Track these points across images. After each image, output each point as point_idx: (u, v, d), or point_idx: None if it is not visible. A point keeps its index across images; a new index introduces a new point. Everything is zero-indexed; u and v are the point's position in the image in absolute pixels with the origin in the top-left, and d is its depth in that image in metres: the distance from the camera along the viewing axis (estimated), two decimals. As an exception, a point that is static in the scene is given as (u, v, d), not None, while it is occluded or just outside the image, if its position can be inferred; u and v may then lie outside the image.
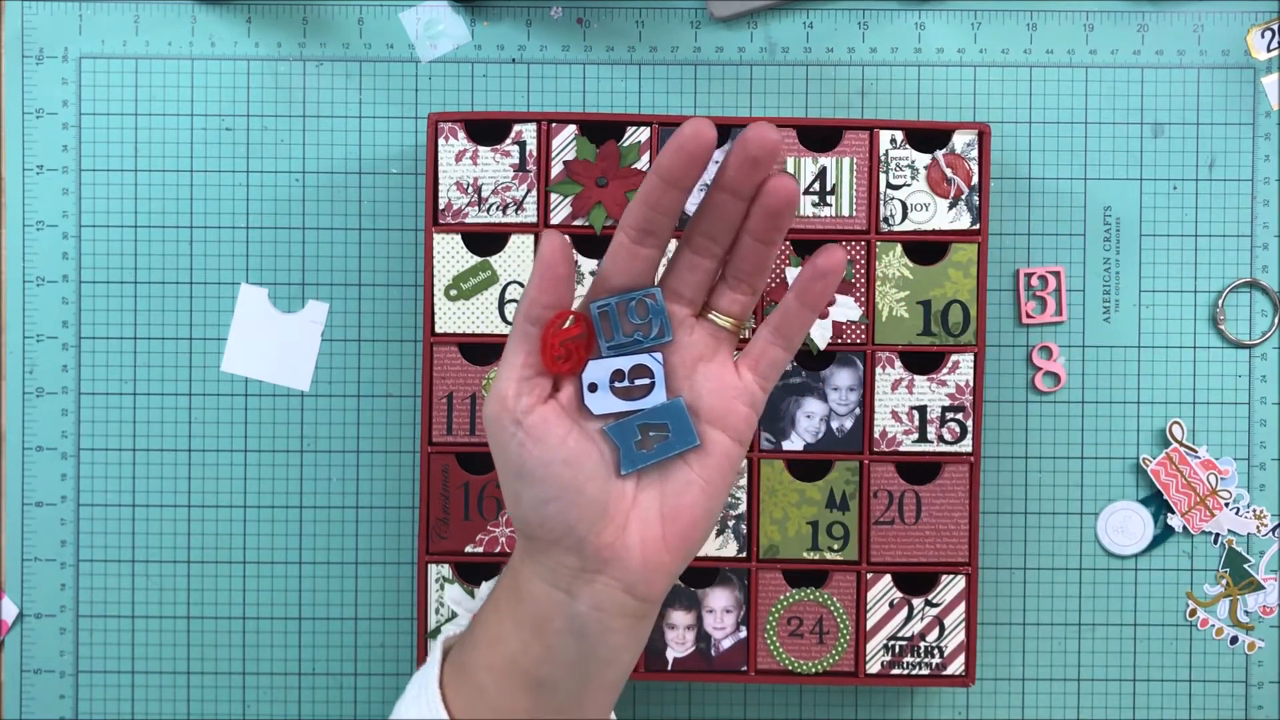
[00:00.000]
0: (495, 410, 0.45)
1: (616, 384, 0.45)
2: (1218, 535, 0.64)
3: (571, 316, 0.45)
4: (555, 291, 0.44)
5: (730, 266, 0.46)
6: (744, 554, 0.60)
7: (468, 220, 0.59)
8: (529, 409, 0.44)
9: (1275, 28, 0.64)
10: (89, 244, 0.64)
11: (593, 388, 0.45)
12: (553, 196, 0.59)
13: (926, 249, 0.60)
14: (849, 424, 0.60)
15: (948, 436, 0.60)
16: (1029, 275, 0.64)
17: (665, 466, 0.46)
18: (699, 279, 0.46)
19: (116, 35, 0.64)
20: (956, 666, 0.60)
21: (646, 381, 0.45)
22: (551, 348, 0.45)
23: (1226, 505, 0.64)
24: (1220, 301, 0.64)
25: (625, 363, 0.45)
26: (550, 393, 0.46)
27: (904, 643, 0.60)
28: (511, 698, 0.46)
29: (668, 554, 0.46)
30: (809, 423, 0.60)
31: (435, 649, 0.50)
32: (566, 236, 0.44)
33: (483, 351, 0.60)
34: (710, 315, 0.47)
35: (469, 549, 0.59)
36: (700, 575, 0.60)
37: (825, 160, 0.59)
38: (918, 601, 0.60)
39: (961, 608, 0.60)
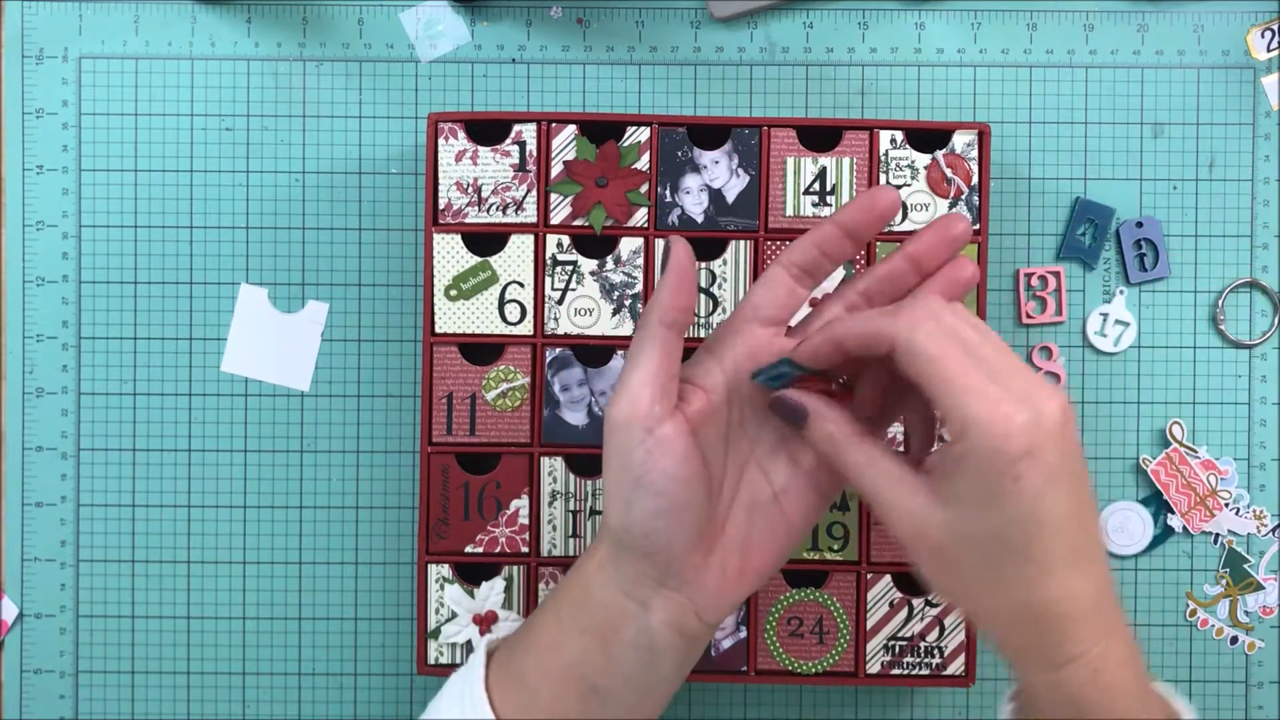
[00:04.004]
0: (626, 415, 0.45)
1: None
2: (1218, 535, 0.64)
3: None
4: (689, 295, 0.45)
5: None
6: (744, 554, 0.60)
7: (468, 220, 0.59)
8: (661, 419, 0.45)
9: (1275, 28, 0.64)
10: (89, 244, 0.64)
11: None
12: (553, 196, 0.59)
13: (926, 249, 0.60)
14: (849, 424, 0.60)
15: (949, 436, 0.60)
16: (1029, 275, 0.64)
17: (759, 505, 0.48)
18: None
19: (116, 35, 0.64)
20: (956, 667, 0.60)
21: None
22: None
23: (1226, 505, 0.64)
24: (1220, 301, 0.64)
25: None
26: (677, 404, 0.46)
27: (904, 643, 0.60)
28: (564, 704, 0.47)
29: (739, 585, 0.47)
30: (809, 423, 0.60)
31: (479, 651, 0.50)
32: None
33: (483, 351, 0.60)
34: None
35: (469, 549, 0.59)
36: (700, 575, 0.60)
37: (825, 160, 0.59)
38: (918, 601, 0.60)
39: (961, 608, 0.60)
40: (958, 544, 0.42)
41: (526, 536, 0.59)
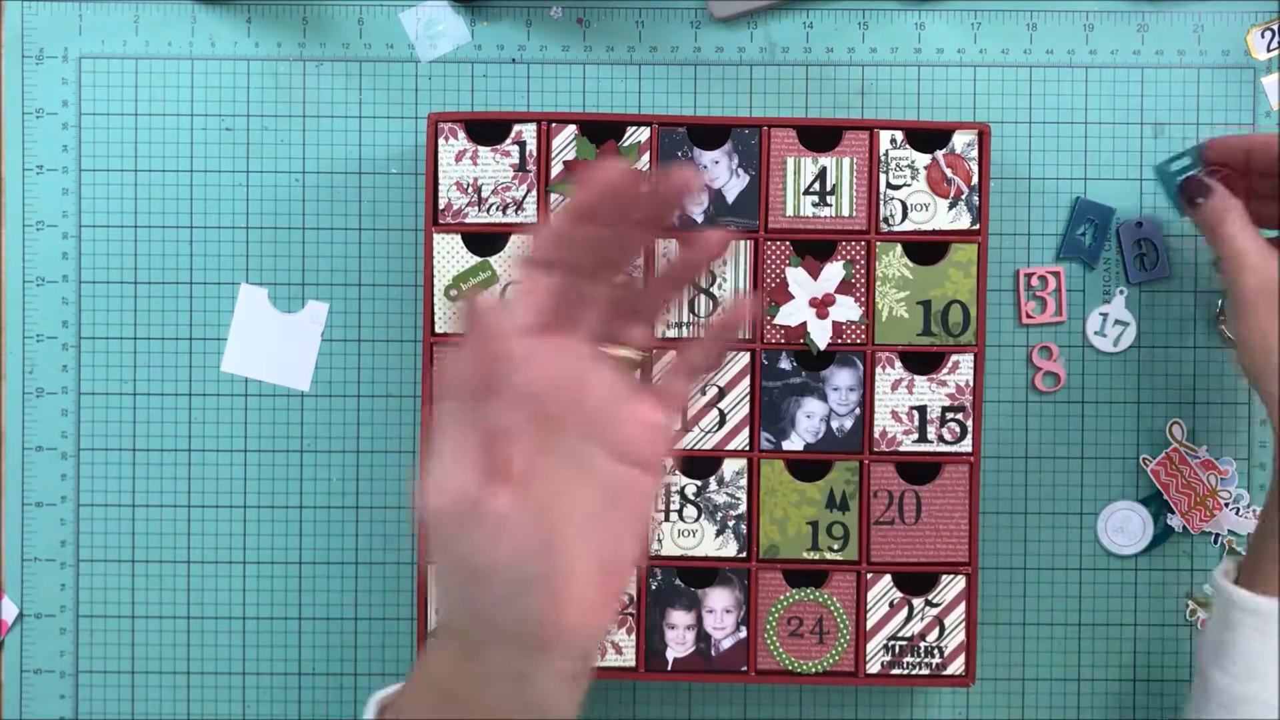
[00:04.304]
0: (448, 503, 0.39)
1: None
2: (1217, 535, 0.64)
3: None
4: (489, 362, 0.40)
5: (640, 302, 0.45)
6: (744, 554, 0.60)
7: (468, 220, 0.59)
8: (488, 495, 0.39)
9: (1275, 28, 0.64)
10: (89, 244, 0.64)
11: None
12: (553, 196, 0.59)
13: (926, 249, 0.60)
14: (849, 424, 0.60)
15: (948, 436, 0.60)
16: (1029, 275, 0.64)
17: (594, 517, 0.43)
18: (603, 310, 0.45)
19: (116, 35, 0.64)
20: (956, 666, 0.60)
21: None
22: None
23: (1226, 505, 0.64)
24: (1220, 301, 0.64)
25: None
26: (505, 467, 0.41)
27: (904, 643, 0.60)
28: None
29: (608, 608, 0.43)
30: (809, 423, 0.60)
31: (370, 708, 0.46)
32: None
33: (483, 351, 0.60)
34: (615, 349, 0.45)
35: (469, 549, 0.59)
36: (700, 575, 0.60)
37: (825, 160, 0.59)
38: (918, 601, 0.60)
39: (961, 608, 0.60)
40: None
41: (526, 536, 0.59)
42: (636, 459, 0.44)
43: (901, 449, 0.60)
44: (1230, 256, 0.56)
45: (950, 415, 0.60)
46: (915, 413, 0.60)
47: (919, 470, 0.60)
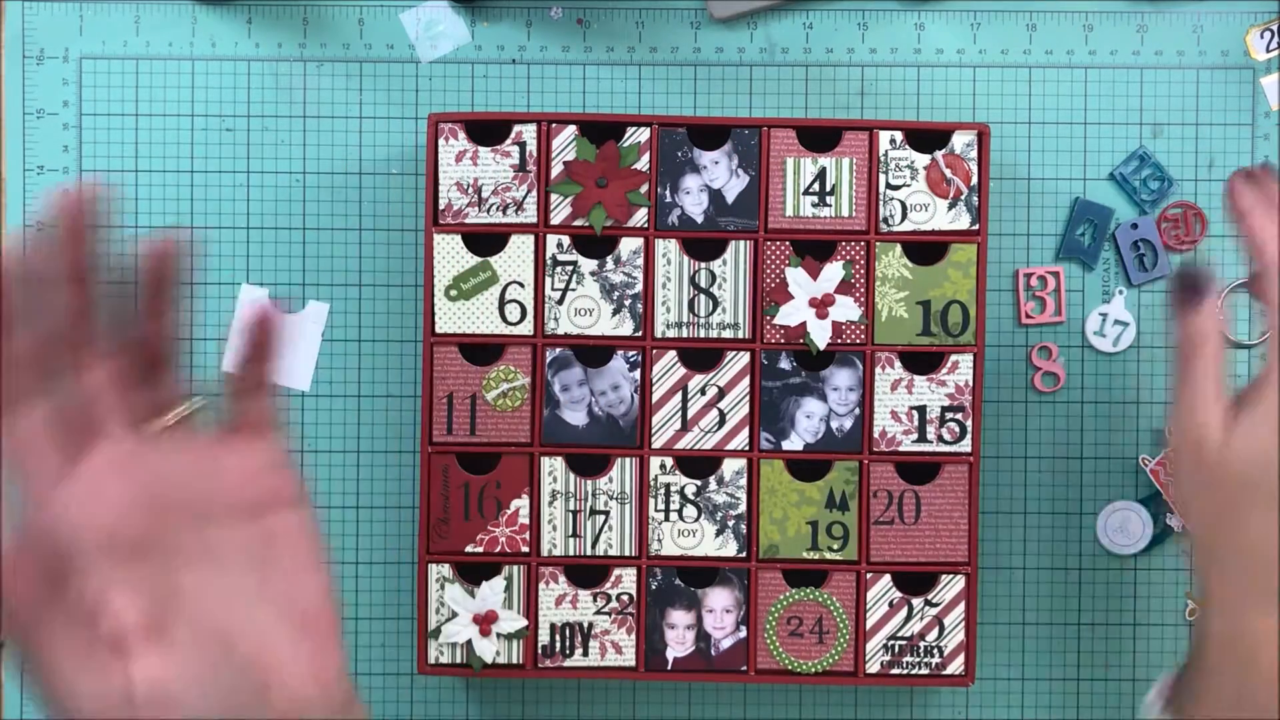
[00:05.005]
0: (97, 710, 0.36)
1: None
2: (1217, 535, 0.64)
3: None
4: None
5: (140, 357, 0.40)
6: (744, 554, 0.60)
7: (468, 220, 0.59)
8: (135, 673, 0.36)
9: (1275, 28, 0.64)
10: (89, 244, 0.64)
11: None
12: (553, 197, 0.59)
13: (926, 249, 0.60)
14: (849, 424, 0.60)
15: (947, 436, 0.60)
16: (1028, 275, 0.64)
17: (263, 588, 0.39)
18: (121, 394, 0.39)
19: (117, 36, 0.64)
20: (956, 666, 0.60)
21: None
22: None
23: (1226, 505, 0.64)
24: (1220, 302, 0.64)
25: None
26: None
27: (903, 642, 0.60)
28: None
29: (331, 649, 0.41)
30: (809, 423, 0.60)
31: None
32: None
33: (483, 351, 0.60)
34: (164, 419, 0.40)
35: (469, 549, 0.60)
36: (700, 575, 0.60)
37: (825, 160, 0.60)
38: (917, 601, 0.60)
39: (961, 607, 0.60)
40: (1233, 461, 0.48)
41: (527, 536, 0.60)
42: (260, 505, 0.40)
43: (901, 449, 0.60)
44: (1181, 394, 0.51)
45: (950, 415, 0.60)
46: (915, 413, 0.60)
47: (918, 470, 0.60)
